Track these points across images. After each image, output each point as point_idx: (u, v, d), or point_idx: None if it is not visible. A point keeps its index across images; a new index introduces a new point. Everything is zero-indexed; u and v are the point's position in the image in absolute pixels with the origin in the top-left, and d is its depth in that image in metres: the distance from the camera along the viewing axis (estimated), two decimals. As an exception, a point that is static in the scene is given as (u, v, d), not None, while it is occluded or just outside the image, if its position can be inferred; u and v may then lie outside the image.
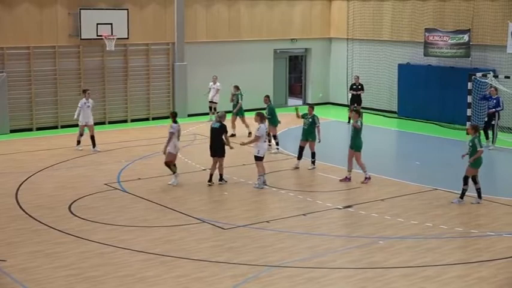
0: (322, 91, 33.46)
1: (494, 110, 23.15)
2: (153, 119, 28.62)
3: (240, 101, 24.80)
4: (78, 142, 22.60)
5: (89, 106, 22.49)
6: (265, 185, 18.07)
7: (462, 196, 16.63)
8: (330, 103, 33.08)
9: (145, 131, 26.28)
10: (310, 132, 20.02)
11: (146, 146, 23.23)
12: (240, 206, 16.45)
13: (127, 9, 27.41)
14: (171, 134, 18.08)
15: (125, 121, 28.10)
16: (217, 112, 19.04)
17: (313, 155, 20.07)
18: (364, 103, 28.79)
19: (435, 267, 12.57)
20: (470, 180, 16.54)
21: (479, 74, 25.33)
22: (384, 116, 30.02)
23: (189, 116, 29.04)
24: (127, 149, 22.91)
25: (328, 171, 19.67)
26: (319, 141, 19.97)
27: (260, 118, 18.30)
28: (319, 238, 14.18)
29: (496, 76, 25.15)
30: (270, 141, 21.33)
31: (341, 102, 32.18)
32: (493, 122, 23.20)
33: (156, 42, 28.59)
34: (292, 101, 33.27)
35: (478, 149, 16.34)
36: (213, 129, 18.24)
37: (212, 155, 18.20)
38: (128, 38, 27.44)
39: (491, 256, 13.15)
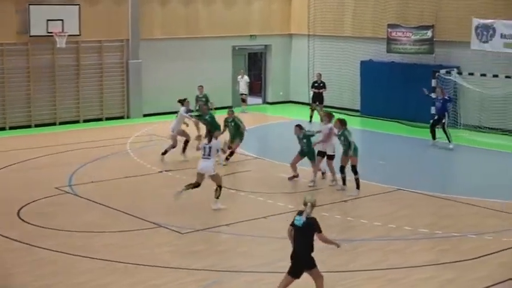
0: (283, 89, 32.80)
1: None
2: (107, 119, 27.68)
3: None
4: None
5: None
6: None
7: (344, 182, 17.45)
8: (291, 101, 32.46)
9: (98, 132, 25.36)
10: (235, 135, 20.11)
11: (99, 148, 22.31)
12: (197, 210, 15.77)
13: (78, 5, 26.41)
14: None
15: (77, 121, 27.09)
16: (306, 199, 10.27)
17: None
18: (326, 101, 28.15)
19: (400, 269, 12.30)
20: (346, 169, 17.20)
21: (443, 71, 25.06)
22: (346, 114, 29.35)
23: (145, 115, 28.22)
24: (79, 150, 21.95)
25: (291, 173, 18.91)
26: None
27: (328, 117, 18.19)
28: (280, 242, 13.38)
29: (460, 73, 24.96)
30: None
31: (302, 100, 31.51)
32: (444, 121, 22.68)
33: (109, 39, 27.66)
34: (252, 100, 32.50)
35: (350, 140, 16.95)
36: (298, 229, 10.25)
37: (295, 273, 10.33)
38: (79, 35, 26.43)
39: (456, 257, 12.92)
